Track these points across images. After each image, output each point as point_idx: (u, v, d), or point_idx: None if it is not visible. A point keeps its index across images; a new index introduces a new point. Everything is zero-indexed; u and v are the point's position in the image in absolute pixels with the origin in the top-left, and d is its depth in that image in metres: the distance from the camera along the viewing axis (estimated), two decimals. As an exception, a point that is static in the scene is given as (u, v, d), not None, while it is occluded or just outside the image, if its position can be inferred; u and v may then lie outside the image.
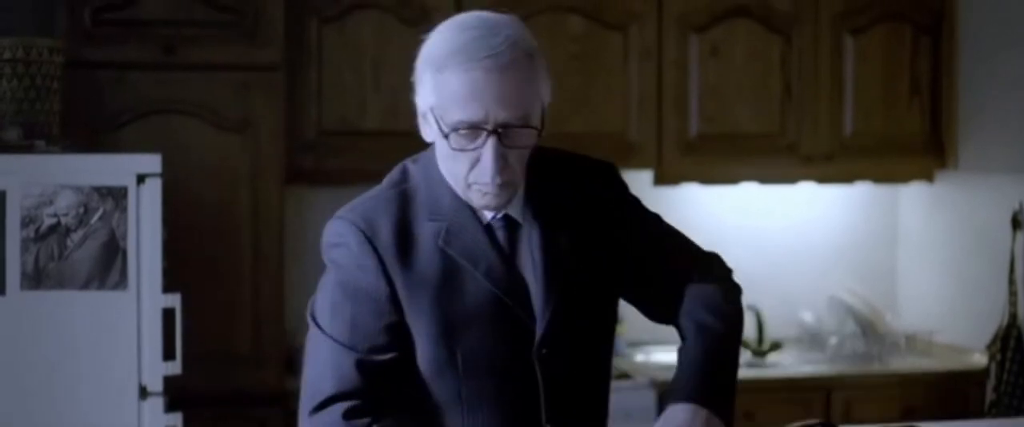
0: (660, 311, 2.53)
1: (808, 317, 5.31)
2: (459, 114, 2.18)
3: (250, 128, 4.41)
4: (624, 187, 2.51)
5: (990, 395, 4.81)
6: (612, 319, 2.50)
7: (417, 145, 5.14)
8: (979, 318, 5.00)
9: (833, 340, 5.19)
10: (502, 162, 2.20)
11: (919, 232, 5.51)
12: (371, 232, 2.26)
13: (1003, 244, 4.80)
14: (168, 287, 3.84)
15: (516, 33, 2.22)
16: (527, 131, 2.21)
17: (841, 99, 5.18)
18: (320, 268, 2.34)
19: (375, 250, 2.25)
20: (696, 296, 2.47)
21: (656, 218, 2.56)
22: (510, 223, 2.31)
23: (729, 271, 2.58)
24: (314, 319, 2.30)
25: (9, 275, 3.71)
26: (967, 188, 5.23)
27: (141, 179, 3.79)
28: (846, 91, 5.19)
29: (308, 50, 4.68)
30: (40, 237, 3.71)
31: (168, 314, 3.83)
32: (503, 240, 2.30)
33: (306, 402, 2.25)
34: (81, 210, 3.73)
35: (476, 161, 2.21)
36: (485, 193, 2.23)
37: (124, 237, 3.77)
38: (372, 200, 2.33)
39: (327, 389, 2.23)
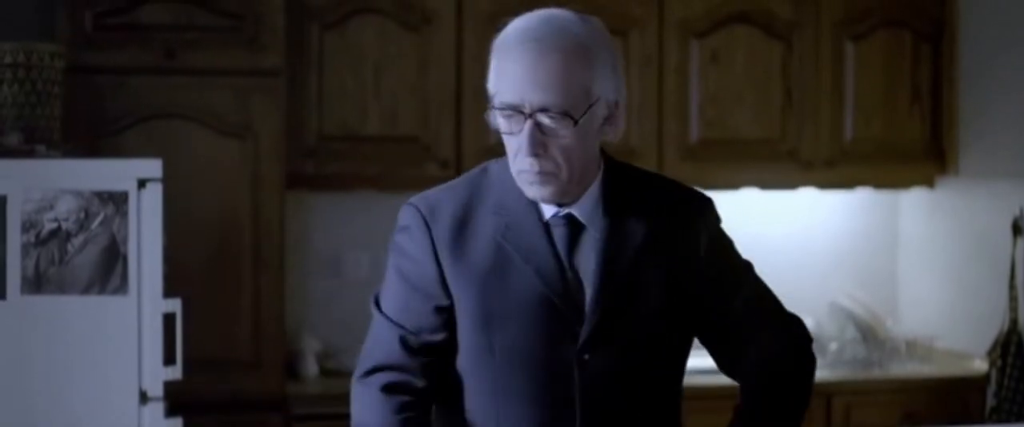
0: (726, 362, 2.50)
1: (809, 322, 5.27)
2: (501, 94, 2.25)
3: (251, 133, 4.41)
4: (717, 223, 2.53)
5: (990, 401, 4.81)
6: (680, 352, 2.46)
7: (416, 150, 5.14)
8: (980, 324, 5.00)
9: (834, 345, 5.19)
10: (539, 148, 2.23)
11: (920, 238, 5.51)
12: (431, 218, 2.35)
13: (1003, 250, 4.80)
14: (168, 292, 3.84)
15: (576, 26, 2.26)
16: (564, 121, 2.22)
17: (842, 105, 5.18)
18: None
19: (430, 235, 2.33)
20: (765, 358, 2.44)
21: (745, 266, 2.57)
22: (572, 222, 2.33)
23: (809, 339, 2.54)
24: (376, 298, 2.41)
25: (10, 280, 3.71)
26: (967, 194, 5.23)
27: (142, 184, 3.79)
28: (847, 97, 5.19)
29: (309, 55, 4.69)
30: (41, 242, 3.71)
31: (168, 319, 3.83)
32: (561, 238, 2.32)
33: (357, 369, 2.39)
34: (82, 215, 3.73)
35: (520, 147, 2.26)
36: (527, 180, 2.28)
37: (125, 242, 3.77)
38: (446, 189, 2.42)
39: (373, 360, 2.36)
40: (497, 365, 2.31)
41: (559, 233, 2.32)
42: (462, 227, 2.33)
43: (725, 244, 2.54)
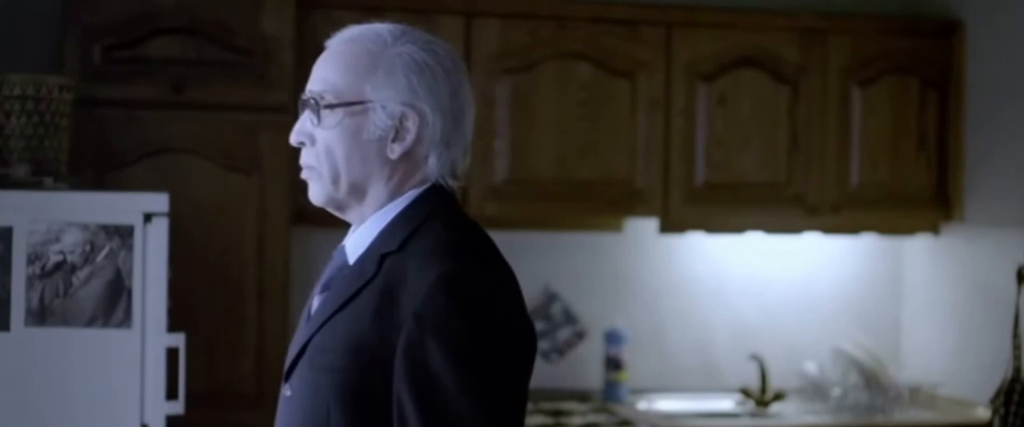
0: None
1: (812, 368, 5.30)
2: None
3: (257, 169, 4.42)
4: (453, 318, 1.99)
5: (993, 449, 4.80)
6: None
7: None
8: (983, 372, 4.99)
9: (836, 391, 5.18)
10: (304, 137, 2.18)
11: (924, 285, 5.51)
12: None
13: (1008, 298, 4.78)
14: (172, 326, 3.83)
15: (378, 33, 2.19)
16: (322, 110, 2.15)
17: (848, 151, 5.19)
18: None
19: None
20: None
21: (458, 386, 1.97)
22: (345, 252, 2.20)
23: None
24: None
25: (14, 311, 3.71)
26: (972, 241, 5.23)
27: (148, 218, 3.79)
28: (853, 143, 5.20)
29: (317, 92, 4.69)
30: (46, 274, 3.71)
31: (172, 353, 3.83)
32: (330, 267, 2.23)
33: None
34: (87, 248, 3.73)
35: None
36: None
37: (129, 275, 3.77)
38: None
39: None
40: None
41: (333, 261, 2.23)
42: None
43: (435, 371, 1.97)
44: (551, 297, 5.30)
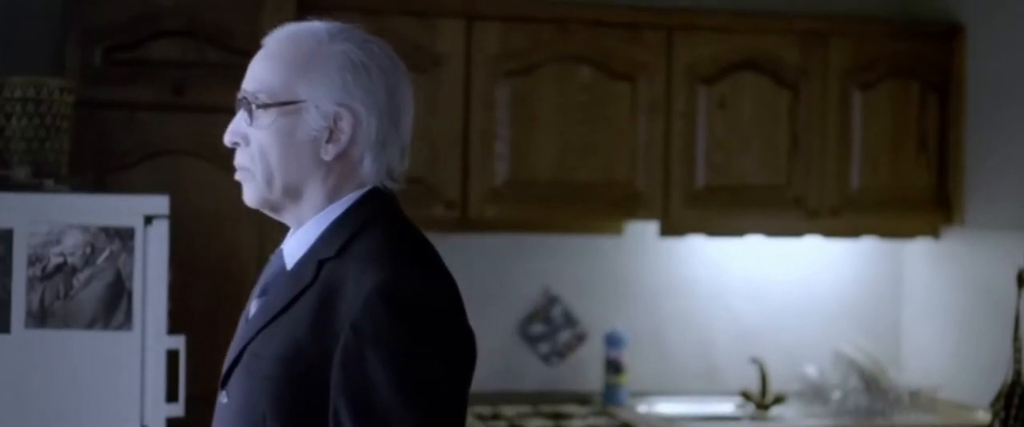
0: None
1: (812, 371, 5.30)
2: None
3: (258, 171, 4.41)
4: (391, 328, 1.96)
5: (993, 453, 4.80)
6: None
7: (422, 192, 5.15)
8: (983, 375, 4.98)
9: (837, 394, 5.18)
10: (238, 137, 2.13)
11: (924, 288, 5.51)
12: None
13: (1008, 301, 4.78)
14: (173, 329, 3.84)
15: (313, 32, 2.14)
16: (255, 109, 2.11)
17: (848, 154, 5.19)
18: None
19: None
20: None
21: (396, 397, 1.94)
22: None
23: None
24: None
25: (14, 313, 3.71)
26: (973, 245, 5.23)
27: (148, 220, 3.79)
28: (853, 146, 5.20)
29: (317, 95, 4.69)
30: (46, 276, 3.72)
31: (172, 356, 3.83)
32: (264, 277, 2.20)
33: None
34: (88, 250, 3.73)
35: None
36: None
37: (130, 278, 3.77)
38: None
39: None
40: None
41: (272, 265, 2.19)
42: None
43: (373, 381, 1.95)
44: (551, 300, 5.30)
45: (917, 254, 5.54)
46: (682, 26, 5.04)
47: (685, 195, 5.05)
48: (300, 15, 4.47)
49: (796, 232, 5.26)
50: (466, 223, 4.90)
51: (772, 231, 5.24)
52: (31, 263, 3.71)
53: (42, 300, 3.72)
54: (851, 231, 5.31)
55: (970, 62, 5.22)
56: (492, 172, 4.86)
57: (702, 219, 5.10)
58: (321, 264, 2.06)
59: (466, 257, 5.14)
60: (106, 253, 3.75)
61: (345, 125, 2.08)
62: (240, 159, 2.13)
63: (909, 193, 5.26)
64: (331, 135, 2.09)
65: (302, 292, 2.05)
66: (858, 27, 5.24)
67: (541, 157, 4.91)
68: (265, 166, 2.10)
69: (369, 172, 2.12)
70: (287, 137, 2.09)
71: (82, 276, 3.74)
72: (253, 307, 2.17)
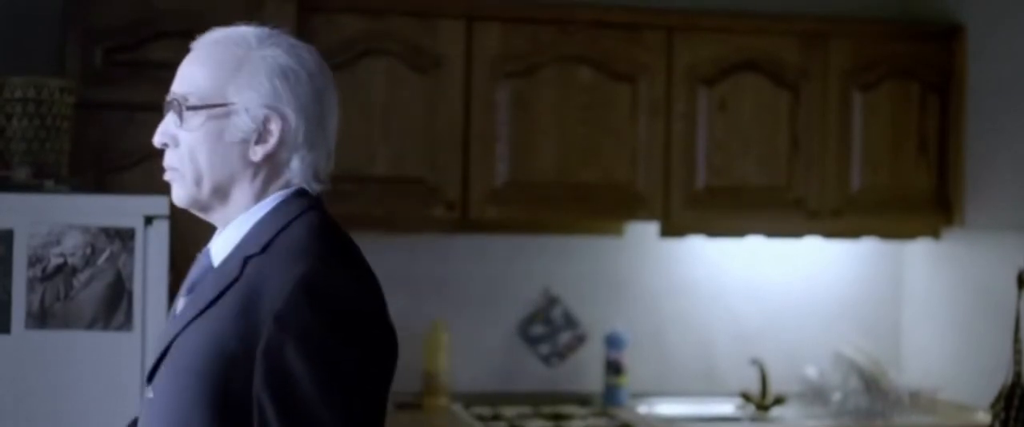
0: None
1: (812, 372, 5.30)
2: None
3: (258, 172, 4.41)
4: (312, 321, 1.99)
5: (994, 454, 4.80)
6: None
7: (423, 192, 5.14)
8: (983, 376, 4.98)
9: (837, 395, 5.18)
10: (168, 138, 2.21)
11: (924, 289, 5.51)
12: None
13: (1008, 302, 4.78)
14: (173, 329, 3.83)
15: (242, 36, 2.21)
16: (183, 111, 2.17)
17: (848, 155, 5.19)
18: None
19: None
20: None
21: (316, 389, 1.97)
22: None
23: None
24: None
25: (15, 314, 3.71)
26: (973, 246, 5.23)
27: (149, 221, 3.79)
28: (853, 147, 5.20)
29: (318, 95, 4.69)
30: (46, 276, 3.71)
31: (172, 356, 3.82)
32: (195, 269, 2.24)
33: None
34: (88, 250, 3.73)
35: None
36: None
37: (130, 278, 3.77)
38: None
39: None
40: None
41: (195, 269, 2.23)
42: None
43: (295, 373, 1.97)
44: (551, 301, 5.30)
45: (917, 255, 5.54)
46: (682, 27, 5.04)
47: (685, 196, 5.05)
48: (301, 16, 4.48)
49: (796, 233, 5.26)
50: (466, 224, 4.90)
51: (772, 232, 5.24)
52: (31, 264, 3.70)
53: (42, 301, 3.72)
54: (851, 232, 5.31)
55: (970, 63, 5.22)
56: (492, 173, 4.86)
57: (702, 220, 5.10)
58: (246, 261, 2.11)
59: (466, 258, 5.14)
60: (106, 254, 3.75)
61: (274, 128, 2.15)
62: (169, 160, 2.21)
63: (909, 194, 5.26)
64: (260, 137, 2.15)
65: (227, 288, 2.09)
66: (858, 28, 5.24)
67: (541, 158, 4.91)
68: (194, 167, 2.17)
69: (296, 173, 2.18)
70: (216, 139, 2.15)
71: (82, 277, 3.74)
72: (180, 304, 2.20)
